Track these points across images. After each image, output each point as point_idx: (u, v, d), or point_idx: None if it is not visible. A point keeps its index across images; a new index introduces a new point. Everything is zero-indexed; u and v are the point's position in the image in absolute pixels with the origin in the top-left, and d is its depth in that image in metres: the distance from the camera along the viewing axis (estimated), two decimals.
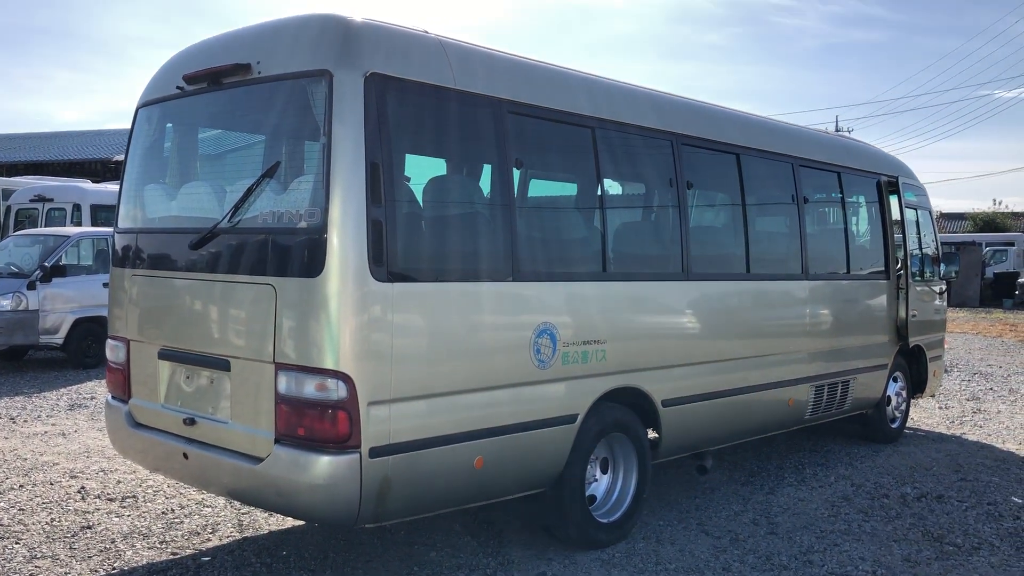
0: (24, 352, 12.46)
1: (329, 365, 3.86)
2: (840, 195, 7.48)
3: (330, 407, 3.86)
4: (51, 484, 6.26)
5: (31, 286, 11.37)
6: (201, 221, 4.51)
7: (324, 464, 3.87)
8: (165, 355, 4.63)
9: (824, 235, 7.43)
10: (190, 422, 4.44)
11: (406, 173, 4.30)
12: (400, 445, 4.02)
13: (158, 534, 5.26)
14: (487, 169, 4.74)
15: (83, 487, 6.17)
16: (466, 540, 5.25)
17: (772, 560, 5.03)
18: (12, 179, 18.98)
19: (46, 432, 7.97)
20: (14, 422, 8.38)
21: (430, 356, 4.14)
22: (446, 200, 4.54)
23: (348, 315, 3.87)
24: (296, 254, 4.00)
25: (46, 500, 5.88)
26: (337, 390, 3.85)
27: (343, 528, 4.38)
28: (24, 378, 11.13)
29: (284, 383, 3.98)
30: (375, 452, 3.93)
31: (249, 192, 4.24)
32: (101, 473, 6.55)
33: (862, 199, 7.88)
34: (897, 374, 8.24)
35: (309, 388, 3.90)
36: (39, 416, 8.67)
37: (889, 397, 8.15)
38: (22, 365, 12.22)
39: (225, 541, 5.16)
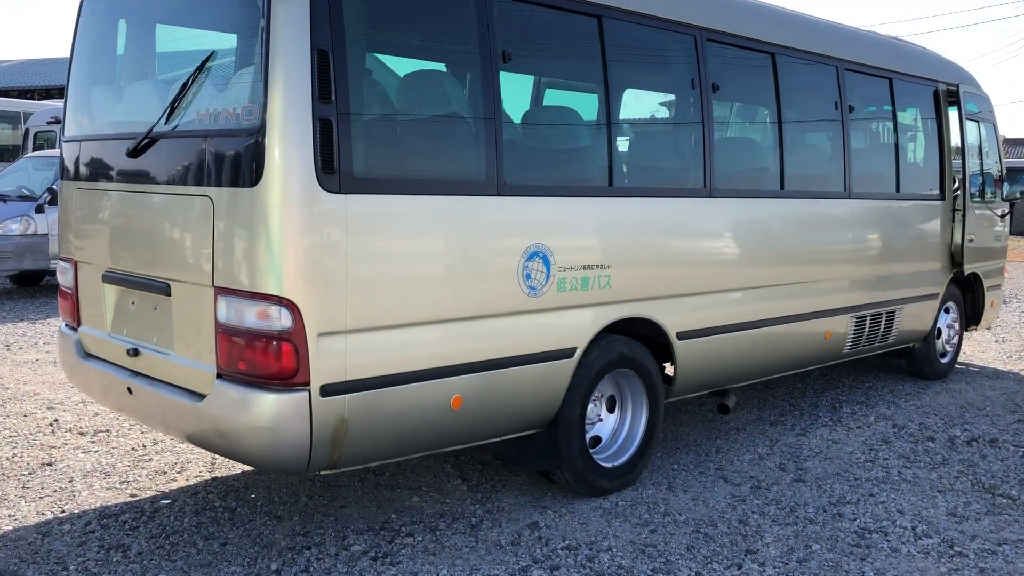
0: (40, 278, 12.19)
1: (271, 290, 3.31)
2: (891, 104, 6.67)
3: (273, 338, 3.33)
4: (25, 416, 5.89)
5: (39, 209, 11.01)
6: (143, 126, 3.95)
7: (267, 403, 3.35)
8: (109, 278, 4.12)
9: (871, 149, 6.66)
10: (134, 353, 3.95)
11: (367, 65, 3.67)
12: (359, 382, 3.48)
13: (121, 473, 4.84)
14: (466, 64, 4.08)
15: (56, 420, 5.78)
16: (455, 484, 4.75)
17: (796, 512, 4.46)
18: (30, 102, 18.65)
19: (37, 360, 7.62)
20: (8, 349, 8.05)
21: (395, 281, 3.57)
22: (416, 99, 3.91)
23: (292, 231, 3.30)
24: (233, 160, 3.42)
25: (14, 433, 5.50)
26: (280, 319, 3.31)
27: (296, 475, 3.94)
28: (33, 304, 10.85)
29: (224, 310, 3.45)
30: (328, 390, 3.40)
31: (186, 89, 3.65)
32: (80, 405, 6.17)
33: (916, 109, 7.05)
34: (949, 304, 7.50)
35: (250, 316, 3.37)
36: (35, 343, 8.34)
37: (939, 329, 7.44)
38: (36, 291, 11.96)
39: (192, 482, 4.72)
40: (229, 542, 3.99)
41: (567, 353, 4.27)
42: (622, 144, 4.69)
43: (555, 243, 4.13)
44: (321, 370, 3.37)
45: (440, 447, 3.97)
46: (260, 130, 3.30)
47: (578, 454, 4.43)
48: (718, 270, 5.04)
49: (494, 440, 4.19)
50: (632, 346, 4.64)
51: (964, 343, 8.21)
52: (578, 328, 4.31)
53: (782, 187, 5.53)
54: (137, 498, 4.51)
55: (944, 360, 7.53)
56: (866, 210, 6.21)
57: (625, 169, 4.69)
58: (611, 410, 4.84)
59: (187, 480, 4.75)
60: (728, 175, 5.14)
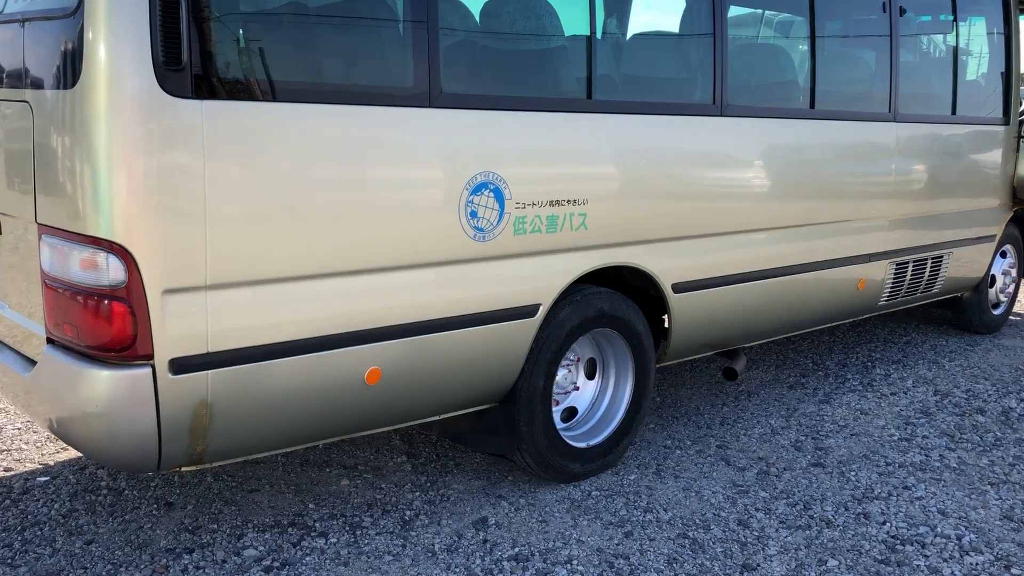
0: None
1: (96, 231, 2.45)
2: (950, 9, 5.57)
3: (103, 296, 2.48)
4: None
5: None
6: None
7: (98, 382, 2.52)
8: None
9: (924, 63, 5.58)
10: None
11: None
12: (228, 355, 2.64)
13: (6, 439, 4.09)
14: None
15: None
16: (398, 461, 3.95)
17: (812, 510, 3.60)
18: None
19: None
20: None
21: (278, 220, 2.69)
22: None
23: (122, 150, 2.42)
24: (49, 52, 2.54)
25: None
26: (108, 270, 2.46)
27: (147, 474, 3.08)
28: None
29: (47, 256, 2.60)
30: (181, 365, 2.56)
31: None
32: None
33: (981, 16, 5.93)
34: (1007, 248, 6.48)
35: (74, 266, 2.52)
36: None
37: (993, 276, 6.44)
38: None
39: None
40: (96, 540, 3.22)
41: (527, 311, 3.39)
42: (603, 47, 3.72)
43: (511, 171, 3.22)
44: (170, 339, 2.53)
45: (352, 431, 3.13)
46: (78, 9, 2.40)
47: (542, 433, 3.59)
48: (727, 207, 4.09)
49: (428, 420, 3.35)
50: (615, 301, 3.75)
51: (1021, 292, 7.21)
52: (542, 280, 3.42)
53: (812, 106, 4.53)
54: (11, 473, 3.75)
55: (997, 312, 6.55)
56: (914, 136, 5.18)
57: (607, 78, 3.72)
58: (591, 376, 3.98)
59: (76, 452, 3.98)
60: (744, 89, 4.15)
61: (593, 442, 3.84)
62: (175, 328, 2.53)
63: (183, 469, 2.77)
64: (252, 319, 2.67)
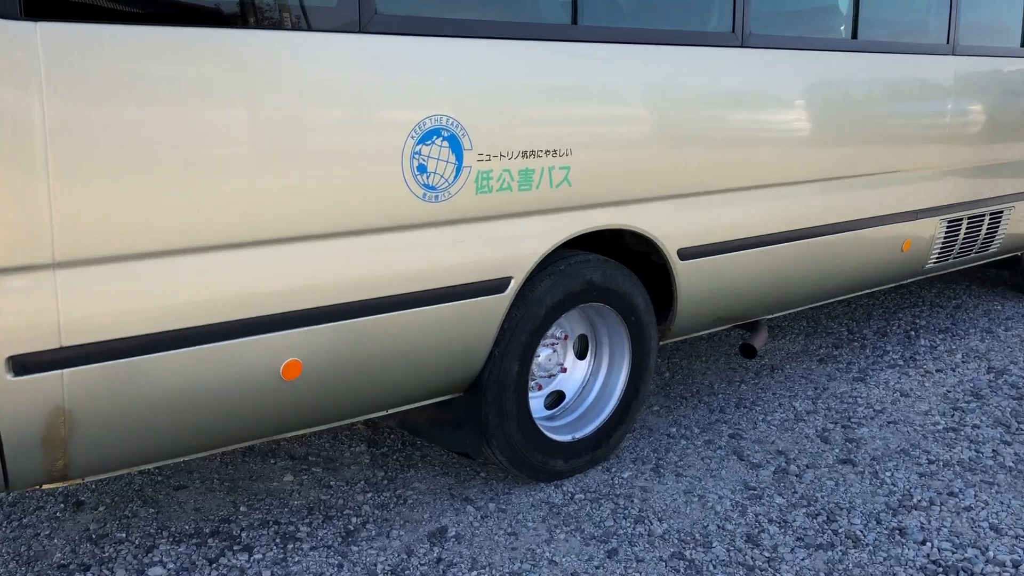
0: None
1: None
2: None
3: None
4: None
5: None
6: None
7: None
8: None
9: None
10: None
11: None
12: (88, 349, 2.09)
13: None
14: None
15: None
16: (356, 451, 3.42)
17: (835, 523, 3.01)
18: None
19: None
20: None
21: (151, 174, 2.11)
22: None
23: None
24: None
25: None
26: None
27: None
28: None
29: None
30: (25, 364, 2.02)
31: None
32: None
33: None
34: None
35: None
36: None
37: None
38: None
39: None
40: None
41: (495, 286, 2.80)
42: None
43: (471, 115, 2.60)
44: (7, 332, 1.98)
45: (266, 436, 2.59)
46: None
47: (516, 427, 3.03)
48: (745, 158, 3.42)
49: (366, 418, 2.80)
50: (608, 271, 3.14)
51: None
52: (514, 248, 2.82)
53: (854, 35, 3.82)
54: None
55: None
56: (975, 73, 4.44)
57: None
58: (582, 356, 3.40)
59: None
60: (769, 16, 3.46)
61: (580, 434, 3.27)
62: (13, 318, 1.98)
63: (46, 487, 2.25)
64: (120, 304, 2.11)
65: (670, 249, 3.27)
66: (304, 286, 2.39)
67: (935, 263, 4.67)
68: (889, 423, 3.81)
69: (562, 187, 2.88)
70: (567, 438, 3.24)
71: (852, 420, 3.83)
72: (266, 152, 2.26)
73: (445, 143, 2.56)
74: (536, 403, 3.32)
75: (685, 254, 3.32)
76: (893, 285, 4.70)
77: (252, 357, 2.35)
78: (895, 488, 3.26)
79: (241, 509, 3.00)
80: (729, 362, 4.48)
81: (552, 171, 2.83)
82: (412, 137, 2.49)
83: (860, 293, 4.47)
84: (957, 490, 3.26)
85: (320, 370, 2.48)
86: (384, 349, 2.61)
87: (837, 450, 3.55)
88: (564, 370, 3.35)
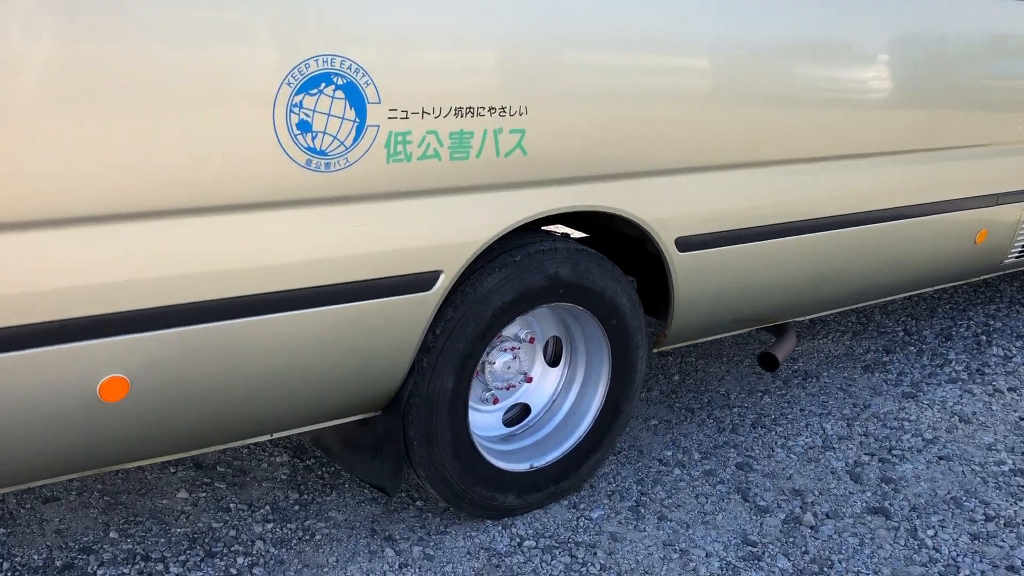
0: None
1: None
2: None
3: None
4: None
5: None
6: None
7: None
8: None
9: None
10: None
11: None
12: None
13: None
14: None
15: None
16: (276, 465, 2.85)
17: None
18: None
19: None
20: None
21: None
22: None
23: None
24: None
25: None
26: None
27: None
28: None
29: None
30: None
31: None
32: None
33: None
34: None
35: None
36: None
37: None
38: None
39: None
40: None
41: (415, 283, 2.16)
42: None
43: (377, 58, 1.94)
44: None
45: (82, 470, 2.01)
46: None
47: (451, 456, 2.41)
48: (771, 123, 2.68)
49: (243, 443, 2.20)
50: (581, 263, 2.47)
51: None
52: (445, 234, 2.17)
53: None
54: None
55: None
56: None
57: None
58: (555, 362, 2.76)
59: None
60: None
61: (542, 462, 2.64)
62: None
63: None
64: None
65: (665, 238, 2.58)
66: (124, 281, 1.78)
67: (1017, 257, 3.86)
68: (940, 458, 3.08)
69: (514, 157, 2.20)
70: (523, 467, 2.61)
71: (894, 452, 3.11)
72: (66, 102, 1.65)
73: (339, 93, 1.91)
74: (489, 419, 2.70)
75: (685, 244, 2.63)
76: (961, 283, 3.91)
77: (55, 372, 1.76)
78: (937, 555, 2.56)
79: (111, 535, 2.46)
80: (754, 366, 3.78)
81: (499, 135, 2.16)
82: (288, 84, 1.84)
83: (919, 292, 3.71)
84: (1020, 564, 2.54)
85: (154, 389, 1.88)
86: (250, 361, 2.00)
87: (869, 494, 2.85)
88: (529, 380, 2.71)
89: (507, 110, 2.15)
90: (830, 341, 4.08)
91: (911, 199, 3.15)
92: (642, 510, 2.70)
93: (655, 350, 2.88)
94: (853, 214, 2.97)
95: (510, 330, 2.59)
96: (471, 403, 2.61)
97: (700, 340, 3.00)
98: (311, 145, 1.91)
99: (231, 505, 2.61)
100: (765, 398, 3.49)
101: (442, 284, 2.21)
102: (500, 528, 2.57)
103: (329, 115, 1.91)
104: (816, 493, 2.84)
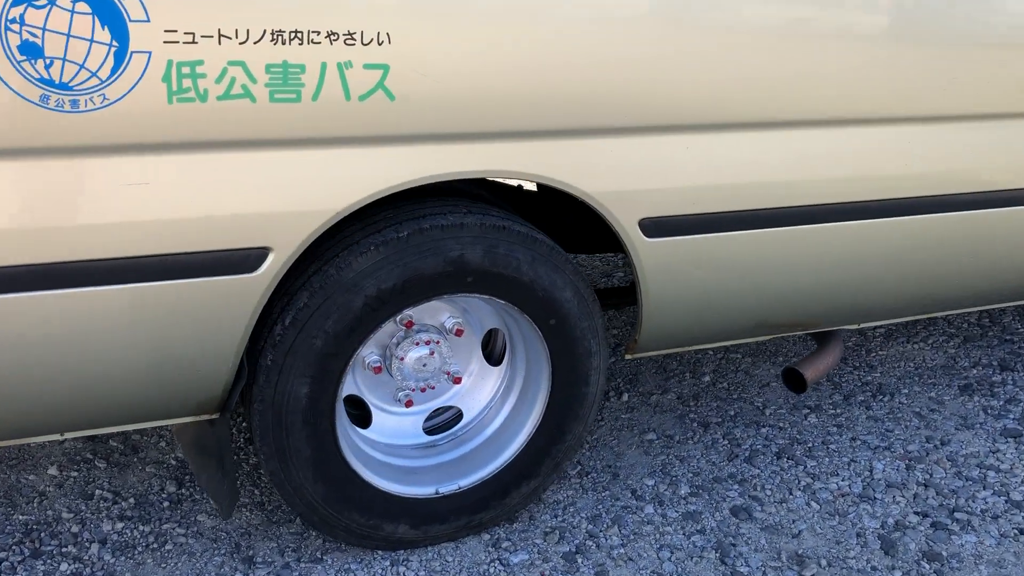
0: None
1: None
2: None
3: None
4: None
5: None
6: None
7: None
8: None
9: None
10: None
11: None
12: None
13: None
14: None
15: None
16: (166, 463, 2.46)
17: None
18: None
19: None
20: None
21: None
22: None
23: None
24: None
25: None
26: None
27: None
28: None
29: None
30: None
31: None
32: None
33: None
34: None
35: None
36: None
37: None
38: None
39: None
40: None
41: (228, 262, 1.65)
42: None
43: None
44: None
45: None
46: None
47: (311, 476, 1.92)
48: (770, 64, 1.93)
49: (31, 440, 1.80)
50: (500, 245, 1.88)
51: None
52: (270, 199, 1.64)
53: None
54: None
55: None
56: None
57: None
58: (499, 359, 2.21)
59: None
60: None
61: (452, 487, 2.11)
62: None
63: None
64: None
65: (624, 219, 1.93)
66: None
67: None
68: (1022, 533, 2.29)
69: (374, 102, 1.63)
70: (426, 491, 2.09)
71: (957, 514, 2.34)
72: None
73: (83, 6, 1.41)
74: (404, 425, 2.18)
75: (655, 227, 1.97)
76: None
77: None
78: None
79: None
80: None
81: (347, 71, 1.59)
82: None
83: (1002, 305, 2.84)
84: None
85: None
86: (21, 344, 1.57)
87: (899, 574, 2.14)
88: (457, 381, 2.16)
89: (358, 37, 1.57)
90: (928, 346, 3.25)
91: (963, 181, 2.28)
92: (579, 560, 2.12)
93: (628, 357, 2.25)
94: (893, 200, 2.17)
95: (432, 318, 2.04)
96: (382, 404, 2.12)
97: (689, 348, 2.34)
98: (45, 76, 1.42)
99: (96, 491, 2.25)
100: (811, 417, 2.76)
101: (272, 265, 1.69)
102: (388, 563, 2.07)
103: (69, 36, 1.41)
104: (824, 563, 2.15)
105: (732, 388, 2.91)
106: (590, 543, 2.18)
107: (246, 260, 1.66)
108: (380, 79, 1.62)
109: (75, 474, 2.32)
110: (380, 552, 2.10)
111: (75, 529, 2.12)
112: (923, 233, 2.23)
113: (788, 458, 2.55)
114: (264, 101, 1.56)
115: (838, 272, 2.21)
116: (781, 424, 2.72)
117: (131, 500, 2.23)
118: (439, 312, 2.07)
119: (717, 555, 2.16)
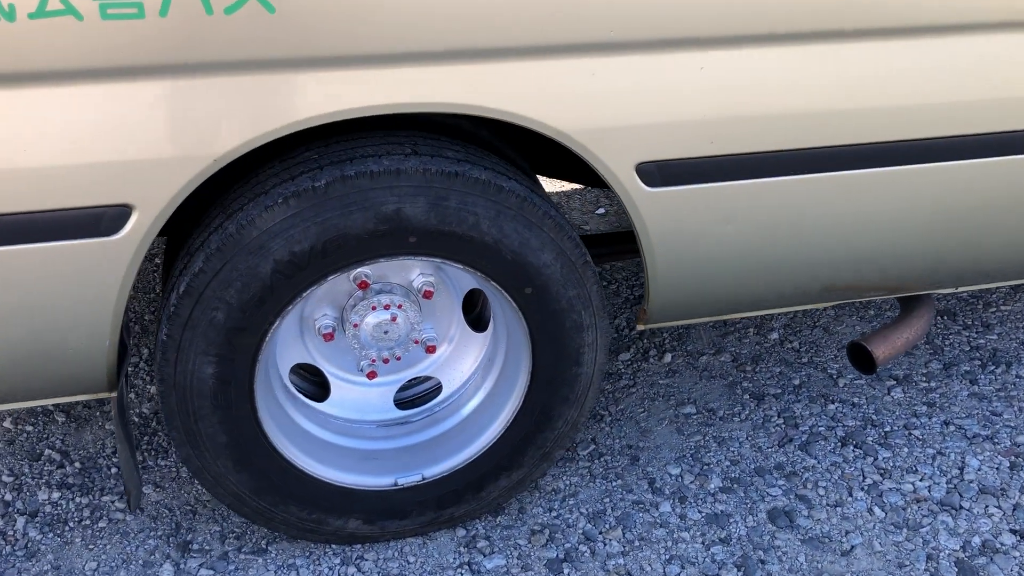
0: None
1: None
2: None
3: None
4: None
5: None
6: None
7: None
8: None
9: None
10: None
11: None
12: None
13: None
14: None
15: None
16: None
17: None
18: None
19: None
20: None
21: None
22: None
23: None
24: None
25: None
26: None
27: None
28: None
29: None
30: None
31: None
32: None
33: None
34: None
35: None
36: None
37: None
38: None
39: None
40: None
41: (79, 223, 1.32)
42: None
43: None
44: None
45: None
46: None
47: (231, 463, 1.63)
48: None
49: None
50: (450, 197, 1.48)
51: None
52: (114, 145, 1.29)
53: None
54: None
55: None
56: None
57: None
58: (485, 326, 1.83)
59: None
60: None
61: (414, 478, 1.77)
62: None
63: None
64: None
65: (615, 164, 1.48)
66: None
67: None
68: None
69: (246, 14, 1.24)
70: (382, 482, 1.76)
71: None
72: None
73: None
74: (370, 398, 1.85)
75: (658, 174, 1.51)
76: None
77: None
78: None
79: None
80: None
81: None
82: None
83: None
84: None
85: None
86: None
87: None
88: (431, 350, 1.79)
89: None
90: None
91: None
92: (566, 571, 1.76)
93: (640, 327, 1.81)
94: (962, 137, 1.59)
95: (398, 276, 1.68)
96: (343, 374, 1.81)
97: (727, 317, 1.87)
98: None
99: (45, 451, 2.05)
100: (895, 392, 2.26)
101: (137, 227, 1.35)
102: (338, 561, 1.78)
103: None
104: None
105: (804, 349, 2.43)
106: (584, 548, 1.81)
107: (100, 221, 1.33)
108: None
109: (30, 428, 2.12)
110: (334, 546, 1.81)
111: (8, 497, 1.92)
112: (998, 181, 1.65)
113: (856, 446, 2.08)
114: (94, 19, 1.19)
115: (909, 226, 1.68)
116: (856, 399, 2.23)
117: (77, 464, 2.01)
118: (407, 269, 1.69)
119: (738, 575, 1.75)
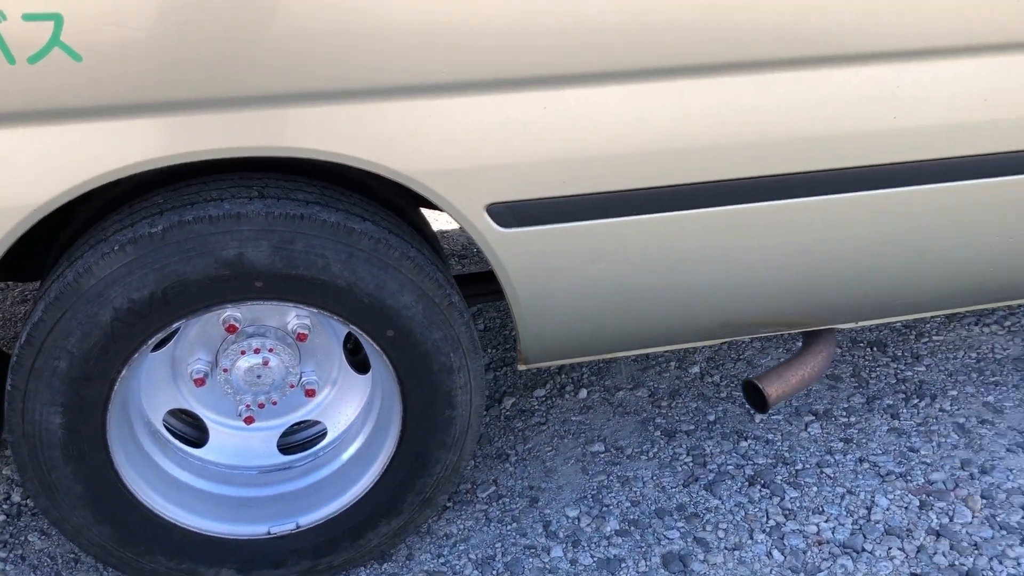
0: None
1: None
2: None
3: None
4: None
5: None
6: None
7: None
8: None
9: None
10: None
11: None
12: None
13: None
14: None
15: None
16: None
17: None
18: None
19: None
20: None
21: None
22: None
23: None
24: None
25: None
26: None
27: None
28: None
29: None
30: None
31: None
32: None
33: None
34: None
35: None
36: None
37: None
38: None
39: None
40: None
41: None
42: None
43: None
44: None
45: None
46: None
47: (90, 515, 1.59)
48: None
49: None
50: (296, 240, 1.45)
51: None
52: None
53: None
54: None
55: None
56: None
57: None
58: (365, 367, 1.80)
59: None
60: None
61: (287, 527, 1.72)
62: None
63: None
64: None
65: (464, 205, 1.45)
66: None
67: None
68: None
69: (52, 62, 1.22)
70: (255, 531, 1.72)
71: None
72: None
73: None
74: (252, 444, 1.81)
75: (509, 214, 1.47)
76: None
77: None
78: None
79: None
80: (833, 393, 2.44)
81: (1, 24, 1.17)
82: None
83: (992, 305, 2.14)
84: None
85: None
86: None
87: None
88: (310, 393, 1.76)
89: None
90: (1004, 329, 2.57)
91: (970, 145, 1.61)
92: None
93: (521, 367, 1.77)
94: (858, 169, 1.55)
95: (274, 319, 1.64)
96: (222, 419, 1.77)
97: (604, 357, 1.83)
98: None
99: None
100: (812, 427, 2.20)
101: None
102: None
103: None
104: None
105: (724, 384, 2.37)
106: None
107: None
108: (53, 33, 1.19)
109: None
110: None
111: None
112: (906, 211, 1.60)
113: (763, 485, 2.02)
114: None
115: (776, 262, 1.63)
116: (770, 436, 2.18)
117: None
118: (283, 312, 1.66)
119: None
